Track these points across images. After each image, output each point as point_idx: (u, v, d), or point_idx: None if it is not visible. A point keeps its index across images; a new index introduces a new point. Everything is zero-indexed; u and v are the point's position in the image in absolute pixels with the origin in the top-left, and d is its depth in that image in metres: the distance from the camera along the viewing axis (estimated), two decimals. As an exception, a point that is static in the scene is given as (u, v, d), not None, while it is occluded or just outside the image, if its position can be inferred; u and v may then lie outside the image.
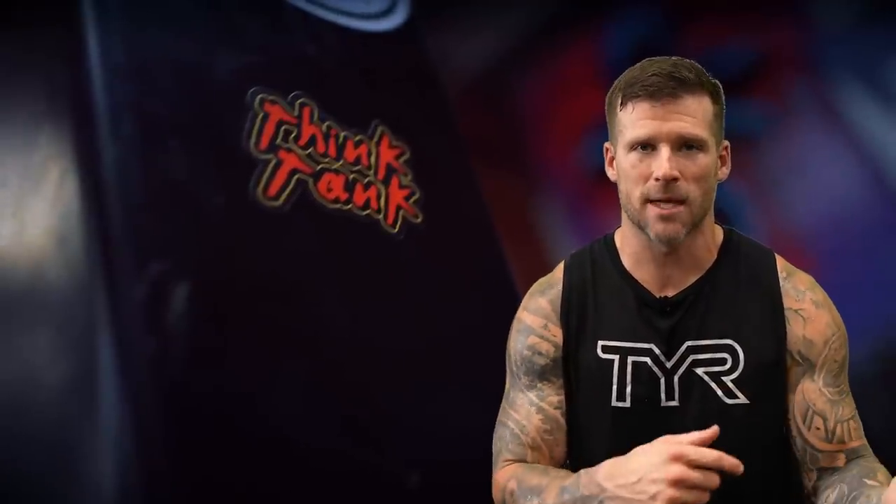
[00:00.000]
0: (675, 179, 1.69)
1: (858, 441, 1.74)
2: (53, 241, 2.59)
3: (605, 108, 1.80)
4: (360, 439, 2.74)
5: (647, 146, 1.72)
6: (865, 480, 1.65)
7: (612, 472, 1.54)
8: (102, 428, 2.53)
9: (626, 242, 1.83)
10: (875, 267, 2.78)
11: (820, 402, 1.74)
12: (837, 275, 2.40)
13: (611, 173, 1.81)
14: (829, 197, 2.82)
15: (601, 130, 1.87)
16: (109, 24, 2.62)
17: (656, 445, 1.51)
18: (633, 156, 1.73)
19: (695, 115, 1.71)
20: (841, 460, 1.72)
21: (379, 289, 2.80)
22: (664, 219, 1.71)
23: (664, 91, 1.70)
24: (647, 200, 1.72)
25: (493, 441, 1.83)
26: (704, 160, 1.72)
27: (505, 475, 1.74)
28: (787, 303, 1.77)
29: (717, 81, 1.76)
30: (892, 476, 1.63)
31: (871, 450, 1.74)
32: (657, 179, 1.70)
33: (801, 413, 1.75)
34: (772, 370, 1.76)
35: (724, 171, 1.80)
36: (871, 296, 2.69)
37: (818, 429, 1.74)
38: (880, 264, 2.79)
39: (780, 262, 1.82)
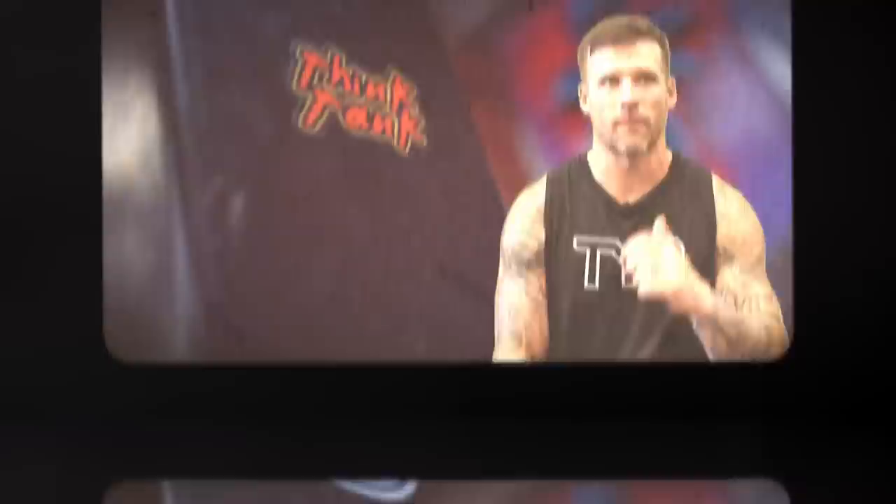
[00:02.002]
0: (636, 105, 2.02)
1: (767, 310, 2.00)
2: (139, 160, 2.83)
3: (577, 57, 2.14)
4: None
5: (613, 80, 2.04)
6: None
7: None
8: (176, 305, 2.86)
9: (596, 161, 2.13)
10: (775, 179, 2.73)
11: (732, 283, 2.05)
12: (746, 186, 2.46)
13: (584, 108, 2.12)
14: (741, 124, 2.75)
15: (567, 74, 2.18)
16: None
17: None
18: (603, 89, 2.07)
19: (647, 56, 2.06)
20: None
21: (392, 196, 2.89)
22: (631, 132, 2.02)
23: (623, 38, 2.05)
24: (616, 123, 2.05)
25: (495, 322, 2.11)
26: (657, 90, 2.07)
27: None
28: (719, 209, 2.10)
29: (663, 33, 2.12)
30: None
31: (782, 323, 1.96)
32: (623, 105, 2.02)
33: (718, 292, 2.06)
34: (706, 261, 2.08)
35: (672, 101, 2.13)
36: (770, 204, 2.62)
37: (730, 304, 2.06)
38: (781, 178, 2.74)
39: (716, 179, 2.16)
